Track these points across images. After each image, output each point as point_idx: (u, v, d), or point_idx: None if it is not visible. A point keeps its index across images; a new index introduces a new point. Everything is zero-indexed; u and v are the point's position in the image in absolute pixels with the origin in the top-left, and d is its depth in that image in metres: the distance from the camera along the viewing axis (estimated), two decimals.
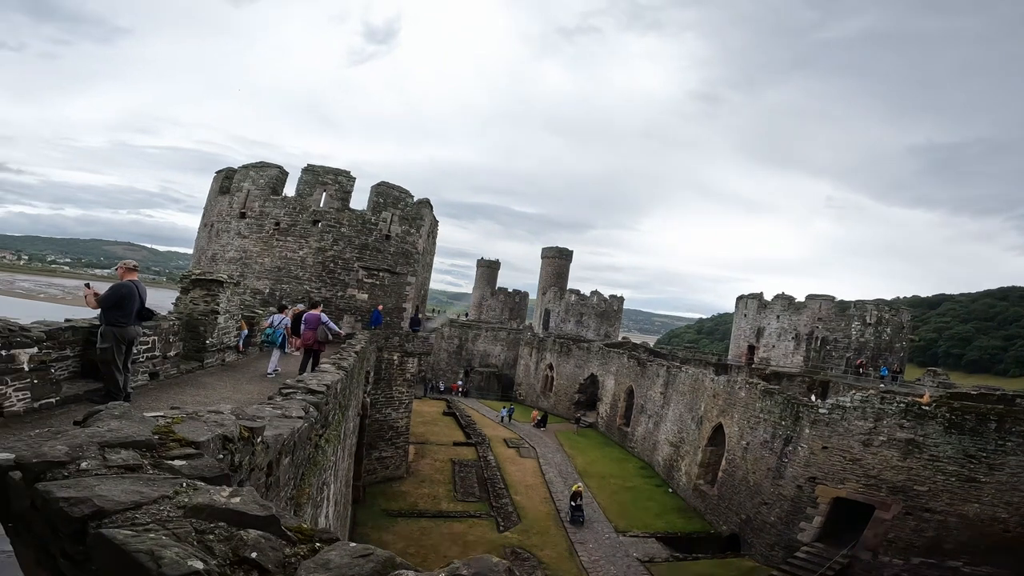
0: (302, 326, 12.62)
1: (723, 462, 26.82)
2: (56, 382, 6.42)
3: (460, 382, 59.37)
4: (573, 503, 24.82)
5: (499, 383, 59.48)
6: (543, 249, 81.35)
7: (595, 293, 68.01)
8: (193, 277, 11.12)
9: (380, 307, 24.83)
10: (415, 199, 28.49)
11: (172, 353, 9.77)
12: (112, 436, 2.27)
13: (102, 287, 7.34)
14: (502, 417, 42.40)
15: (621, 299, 69.77)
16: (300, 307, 18.61)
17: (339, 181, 25.85)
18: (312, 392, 6.06)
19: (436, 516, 23.50)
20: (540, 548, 21.53)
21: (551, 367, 52.51)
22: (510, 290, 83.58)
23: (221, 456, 2.75)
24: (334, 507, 9.51)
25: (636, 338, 77.87)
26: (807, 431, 22.08)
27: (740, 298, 54.11)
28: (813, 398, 28.03)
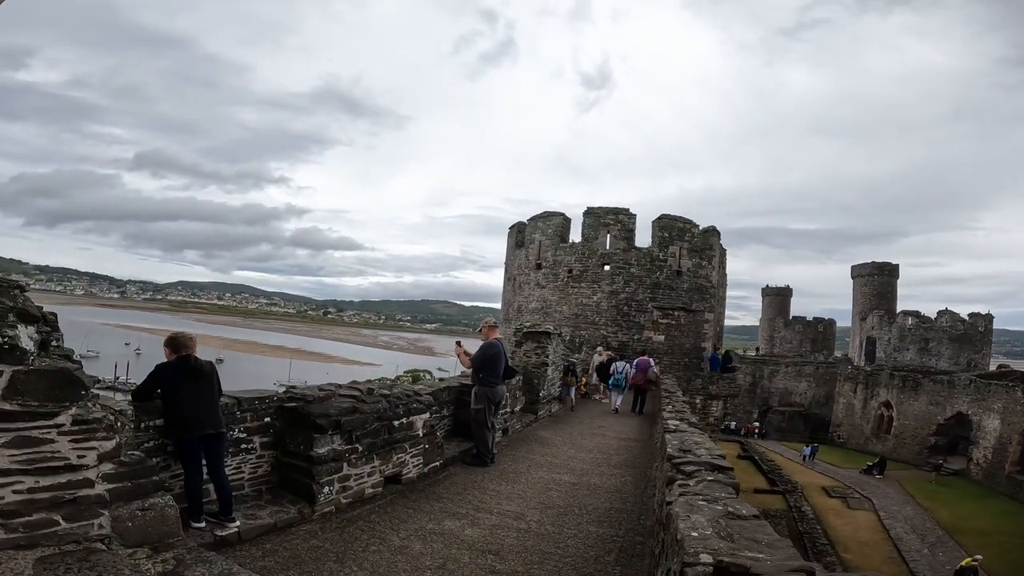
0: (633, 370, 15.02)
1: None
2: (440, 445, 6.43)
3: (756, 423, 52.34)
4: None
5: (805, 423, 50.78)
6: (854, 267, 67.49)
7: (945, 312, 52.48)
8: (525, 330, 11.31)
9: (719, 351, 23.73)
10: (700, 228, 26.17)
11: (517, 408, 9.76)
12: None
13: (471, 345, 7.45)
14: (804, 456, 38.14)
15: (989, 317, 52.23)
16: (608, 353, 18.18)
17: (620, 220, 25.45)
18: (720, 469, 4.56)
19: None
20: None
21: (888, 405, 42.40)
22: (809, 319, 71.42)
23: None
24: None
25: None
26: None
27: None
28: None
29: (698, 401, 24.88)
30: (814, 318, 71.19)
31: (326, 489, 4.46)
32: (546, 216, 27.38)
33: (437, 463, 6.36)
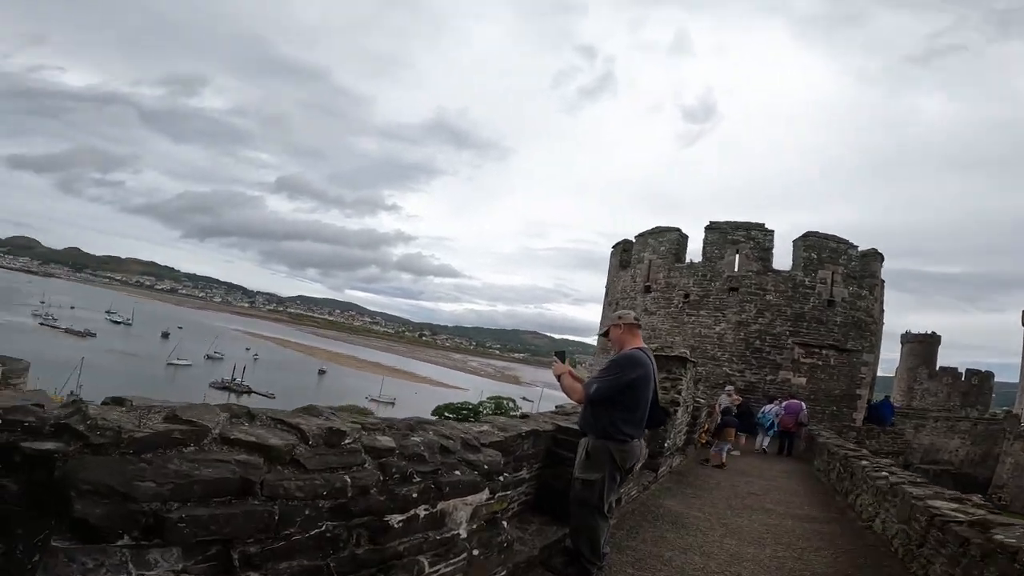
0: (781, 411, 15.07)
1: None
2: (506, 544, 3.30)
3: None
4: None
5: (954, 483, 40.98)
6: None
7: None
8: (652, 353, 7.94)
9: (888, 398, 20.43)
10: (859, 250, 21.12)
11: (638, 465, 6.38)
12: None
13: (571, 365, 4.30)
14: None
15: None
16: (734, 395, 14.40)
17: (753, 237, 21.14)
18: None
19: None
20: None
21: None
22: (959, 369, 61.62)
23: None
24: None
25: None
26: None
27: None
28: None
29: None
30: (967, 370, 61.13)
31: None
32: (658, 232, 23.71)
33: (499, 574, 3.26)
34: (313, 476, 1.76)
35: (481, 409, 16.36)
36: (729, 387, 15.17)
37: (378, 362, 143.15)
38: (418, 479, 2.20)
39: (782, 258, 21.15)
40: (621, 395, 3.80)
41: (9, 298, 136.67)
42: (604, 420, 3.80)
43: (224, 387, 73.68)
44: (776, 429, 15.01)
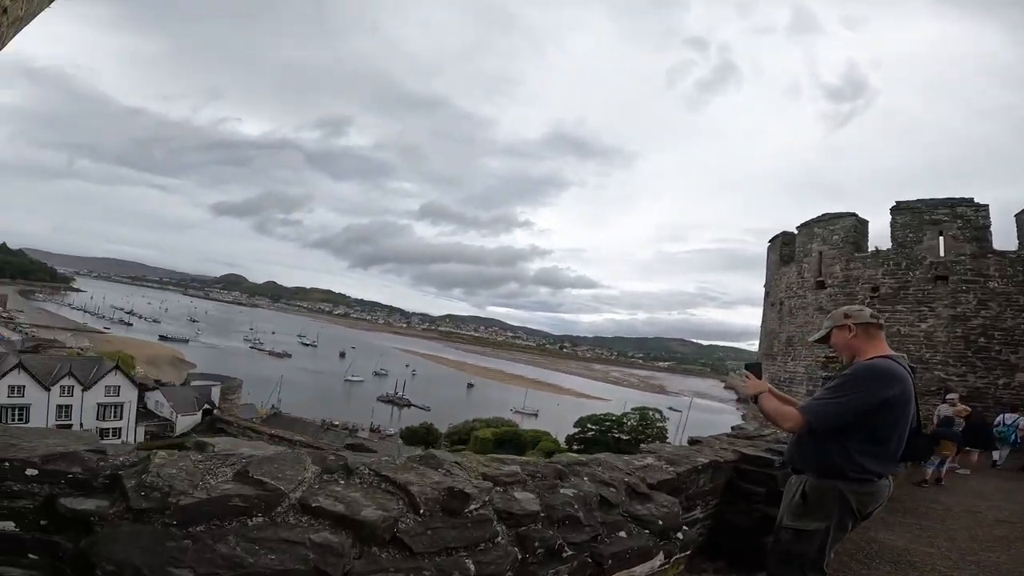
0: None
1: None
2: None
3: None
4: None
5: None
6: None
7: None
8: None
9: None
10: None
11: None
12: None
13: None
14: None
15: None
16: (959, 404, 11.63)
17: (961, 215, 17.21)
18: None
19: None
20: None
21: None
22: None
23: None
24: None
25: None
26: None
27: None
28: None
29: None
30: None
31: None
32: (828, 219, 20.54)
33: None
34: (421, 563, 1.21)
35: (625, 420, 15.31)
36: (951, 395, 12.36)
37: (521, 375, 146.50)
38: (570, 552, 1.56)
39: (1001, 237, 16.90)
40: (866, 419, 2.72)
41: (226, 327, 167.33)
42: (834, 452, 2.74)
43: (389, 401, 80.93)
44: (1019, 443, 12.75)
